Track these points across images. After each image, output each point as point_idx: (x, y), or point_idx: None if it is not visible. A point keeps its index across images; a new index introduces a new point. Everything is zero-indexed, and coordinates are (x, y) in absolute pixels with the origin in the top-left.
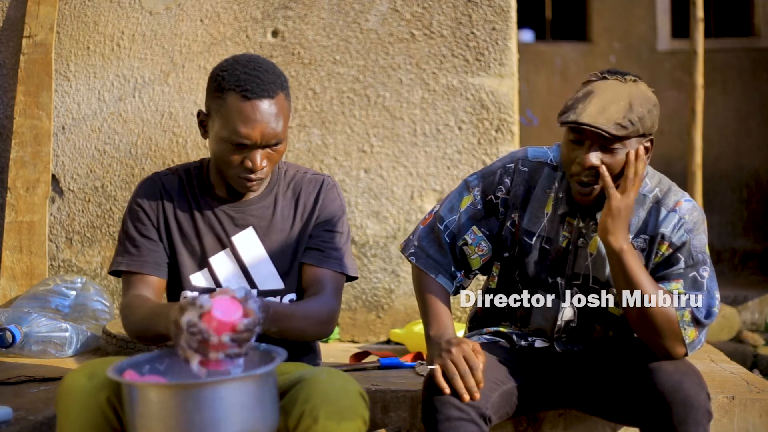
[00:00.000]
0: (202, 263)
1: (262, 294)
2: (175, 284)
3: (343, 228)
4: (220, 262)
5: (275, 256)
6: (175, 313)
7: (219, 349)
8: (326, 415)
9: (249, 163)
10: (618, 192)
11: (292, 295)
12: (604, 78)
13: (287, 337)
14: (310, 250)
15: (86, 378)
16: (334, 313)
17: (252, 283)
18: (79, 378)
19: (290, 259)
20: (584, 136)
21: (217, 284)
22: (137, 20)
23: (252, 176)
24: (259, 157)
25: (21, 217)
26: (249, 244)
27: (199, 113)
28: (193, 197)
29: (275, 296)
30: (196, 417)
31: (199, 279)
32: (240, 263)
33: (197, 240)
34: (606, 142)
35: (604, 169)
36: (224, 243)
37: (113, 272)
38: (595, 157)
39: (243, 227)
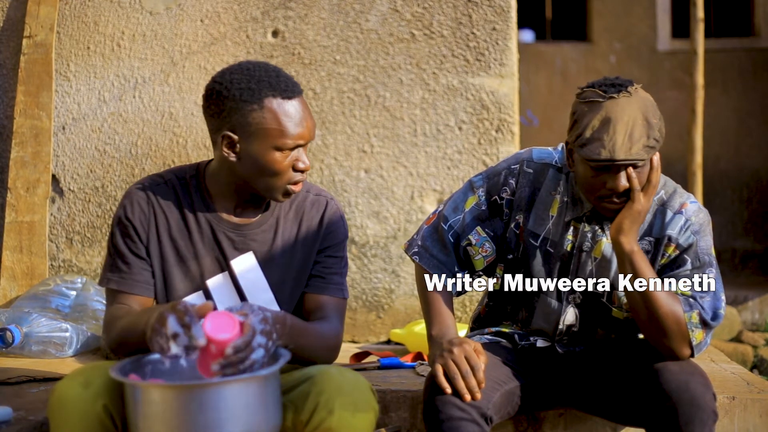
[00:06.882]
0: (199, 286)
1: None
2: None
3: (344, 252)
4: (218, 286)
5: (274, 283)
6: (154, 319)
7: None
8: (341, 406)
9: (301, 164)
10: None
11: None
12: (612, 97)
13: (300, 356)
14: (312, 277)
15: (81, 386)
16: (339, 339)
17: None
18: (73, 386)
19: (290, 287)
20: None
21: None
22: (137, 20)
23: (302, 177)
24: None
25: (21, 217)
26: (248, 268)
27: (224, 137)
28: (191, 212)
29: None
30: (199, 418)
31: (194, 302)
32: (237, 287)
33: (195, 262)
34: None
35: (634, 175)
36: (222, 266)
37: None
38: (626, 180)
39: (243, 251)
